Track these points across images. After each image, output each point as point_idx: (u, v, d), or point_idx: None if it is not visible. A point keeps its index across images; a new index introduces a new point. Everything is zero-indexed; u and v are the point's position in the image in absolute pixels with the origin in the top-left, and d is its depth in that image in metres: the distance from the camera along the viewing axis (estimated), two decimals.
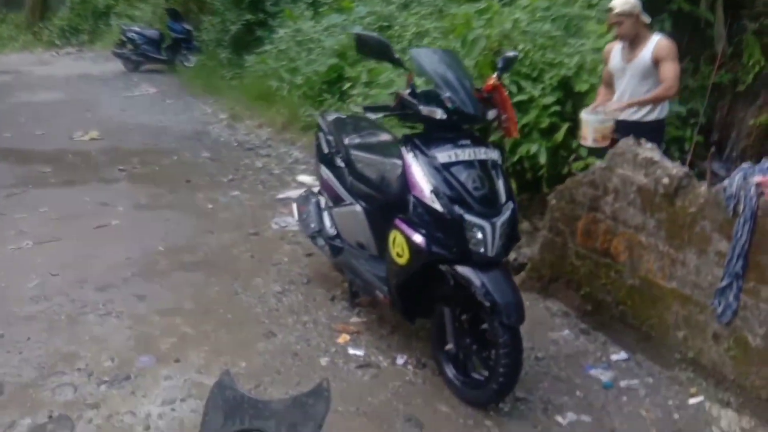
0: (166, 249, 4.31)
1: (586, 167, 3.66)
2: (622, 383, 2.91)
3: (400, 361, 3.05)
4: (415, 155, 2.65)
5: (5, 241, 4.36)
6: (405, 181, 2.68)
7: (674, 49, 3.64)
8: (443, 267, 2.64)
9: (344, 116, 3.88)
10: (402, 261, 2.69)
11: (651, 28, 3.85)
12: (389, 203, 3.01)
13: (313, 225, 3.72)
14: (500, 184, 2.65)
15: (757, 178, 2.48)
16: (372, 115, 3.12)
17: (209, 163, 6.63)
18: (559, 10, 5.02)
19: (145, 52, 13.00)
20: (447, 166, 2.59)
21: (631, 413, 2.72)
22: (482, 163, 2.64)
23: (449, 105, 2.62)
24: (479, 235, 2.51)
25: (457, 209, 2.52)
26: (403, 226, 2.67)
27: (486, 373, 2.65)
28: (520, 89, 4.33)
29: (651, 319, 3.04)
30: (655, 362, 3.02)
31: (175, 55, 13.02)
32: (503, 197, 2.63)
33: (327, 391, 2.12)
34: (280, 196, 5.50)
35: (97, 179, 5.95)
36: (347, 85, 7.61)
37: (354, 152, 3.37)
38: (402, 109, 2.75)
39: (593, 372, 2.99)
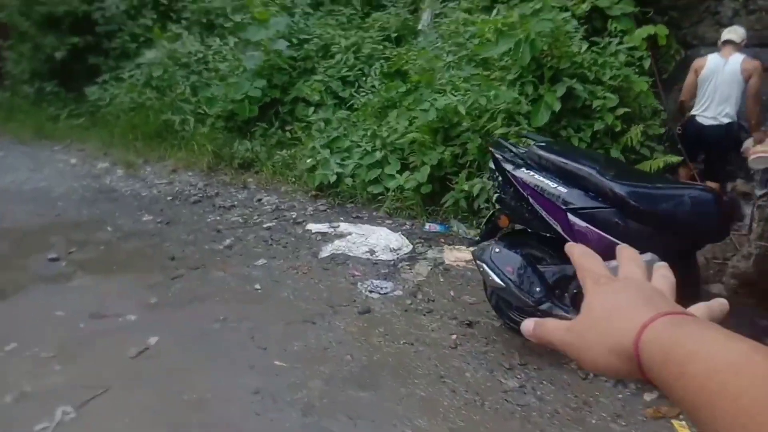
0: (286, 361, 3.04)
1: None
2: None
3: None
4: None
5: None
6: None
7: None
8: None
9: (542, 144, 3.08)
10: None
11: None
12: (698, 241, 2.46)
13: (538, 289, 2.89)
14: None
15: None
16: None
17: (167, 228, 5.02)
18: None
19: None
20: None
21: None
22: None
23: None
24: None
25: None
26: None
27: None
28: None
29: None
30: None
31: None
32: None
33: None
34: (324, 254, 4.36)
35: (33, 279, 4.06)
36: (285, 109, 6.52)
37: (628, 190, 2.67)
38: None
39: None
